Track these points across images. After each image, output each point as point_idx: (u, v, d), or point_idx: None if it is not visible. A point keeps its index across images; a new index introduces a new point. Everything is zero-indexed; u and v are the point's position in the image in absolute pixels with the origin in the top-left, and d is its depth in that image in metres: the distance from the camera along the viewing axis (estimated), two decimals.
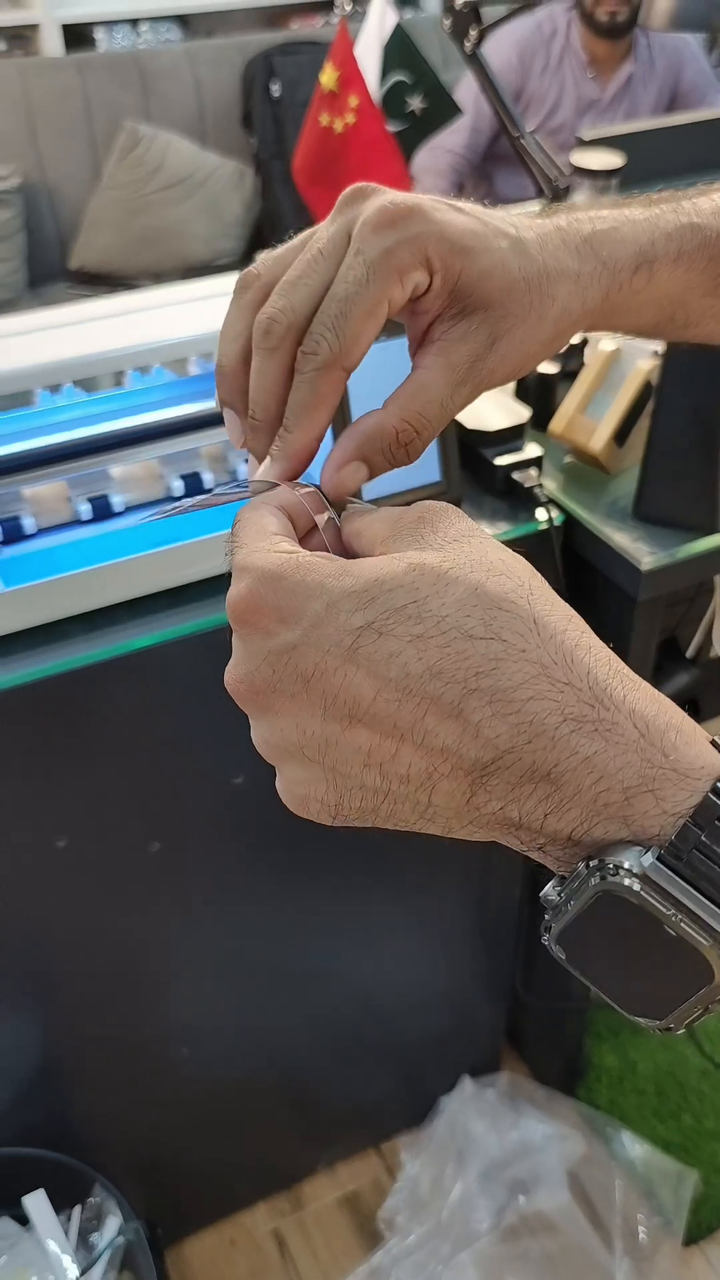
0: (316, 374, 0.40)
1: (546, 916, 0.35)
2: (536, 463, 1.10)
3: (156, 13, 3.21)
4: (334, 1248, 1.41)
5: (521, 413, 1.13)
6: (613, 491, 1.13)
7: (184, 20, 3.29)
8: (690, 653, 1.27)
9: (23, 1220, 1.17)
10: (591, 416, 1.14)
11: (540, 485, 1.08)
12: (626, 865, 0.32)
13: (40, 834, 0.99)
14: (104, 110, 2.94)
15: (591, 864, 0.33)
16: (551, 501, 1.09)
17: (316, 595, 0.33)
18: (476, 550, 0.35)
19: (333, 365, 0.40)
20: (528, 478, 1.08)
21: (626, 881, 0.32)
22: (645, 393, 1.11)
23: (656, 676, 1.25)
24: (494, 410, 1.12)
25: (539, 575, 0.35)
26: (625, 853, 0.33)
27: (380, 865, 1.24)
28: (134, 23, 3.20)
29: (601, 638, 0.35)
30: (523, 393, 1.21)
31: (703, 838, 0.32)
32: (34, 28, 3.04)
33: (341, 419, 0.96)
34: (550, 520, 1.07)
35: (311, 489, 0.41)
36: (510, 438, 1.11)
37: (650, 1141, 1.45)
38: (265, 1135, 1.39)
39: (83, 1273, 1.11)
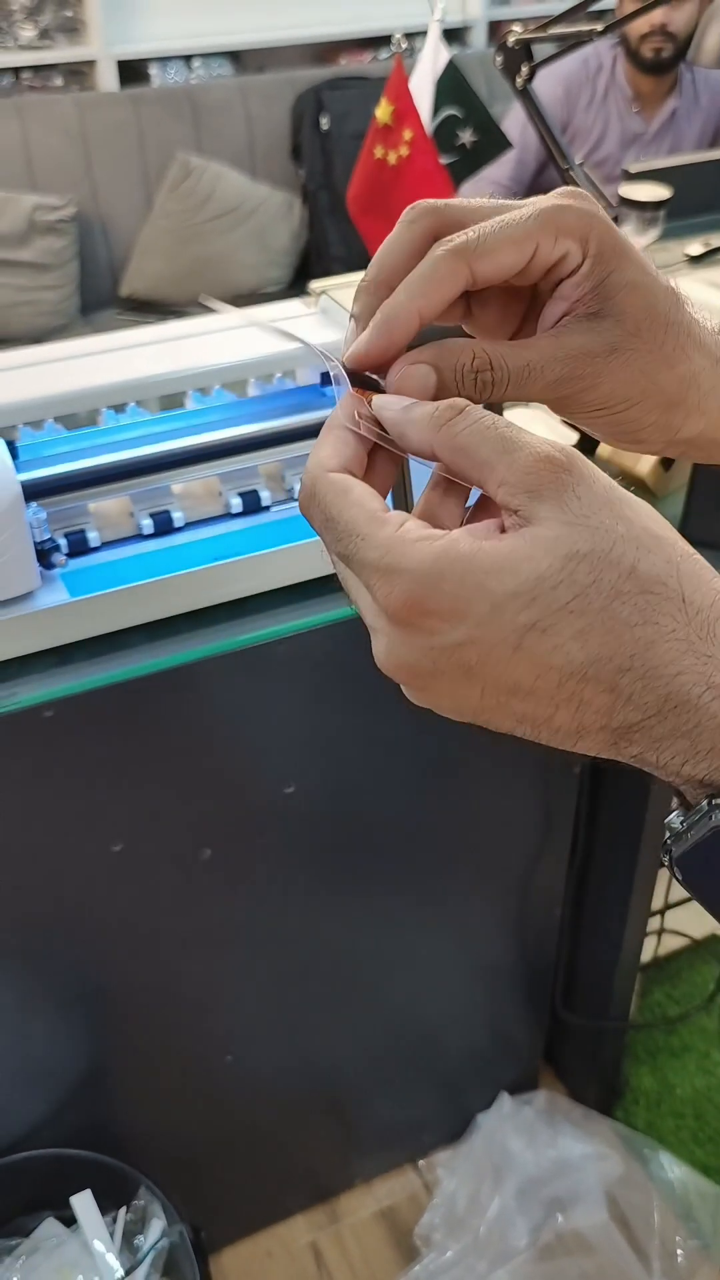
0: (446, 254, 0.40)
1: (668, 839, 0.38)
2: None
3: (209, 49, 3.29)
4: (370, 1262, 1.42)
5: (569, 436, 1.15)
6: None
7: (236, 56, 3.37)
8: None
9: (68, 1221, 1.19)
10: None
11: None
12: None
13: (97, 838, 1.02)
14: (157, 143, 3.02)
15: (715, 801, 0.36)
16: None
17: (480, 597, 0.34)
18: (624, 521, 0.35)
19: (462, 254, 0.40)
20: None
21: None
22: None
23: None
24: (542, 433, 1.15)
25: (681, 538, 0.37)
26: None
27: (425, 880, 1.25)
28: (187, 59, 3.29)
29: None
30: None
31: None
32: (91, 64, 3.13)
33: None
34: None
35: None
36: None
37: (688, 1164, 1.44)
38: (304, 1146, 1.41)
39: (127, 1274, 1.13)
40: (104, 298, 3.08)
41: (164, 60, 3.26)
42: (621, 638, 0.34)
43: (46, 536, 0.93)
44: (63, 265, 2.91)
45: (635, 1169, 1.43)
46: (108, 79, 3.13)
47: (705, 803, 0.37)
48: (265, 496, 1.01)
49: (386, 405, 0.39)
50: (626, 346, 0.43)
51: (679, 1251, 1.35)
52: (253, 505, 1.01)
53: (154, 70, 3.25)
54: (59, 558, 0.93)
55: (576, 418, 0.45)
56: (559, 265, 0.42)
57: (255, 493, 1.01)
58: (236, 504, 1.00)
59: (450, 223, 0.42)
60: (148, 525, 0.98)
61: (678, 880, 0.39)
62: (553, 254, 0.42)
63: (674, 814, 0.38)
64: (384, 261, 0.42)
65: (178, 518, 0.99)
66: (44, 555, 0.92)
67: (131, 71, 3.20)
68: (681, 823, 0.37)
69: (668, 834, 0.38)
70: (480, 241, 0.40)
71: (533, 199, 0.42)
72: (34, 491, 0.93)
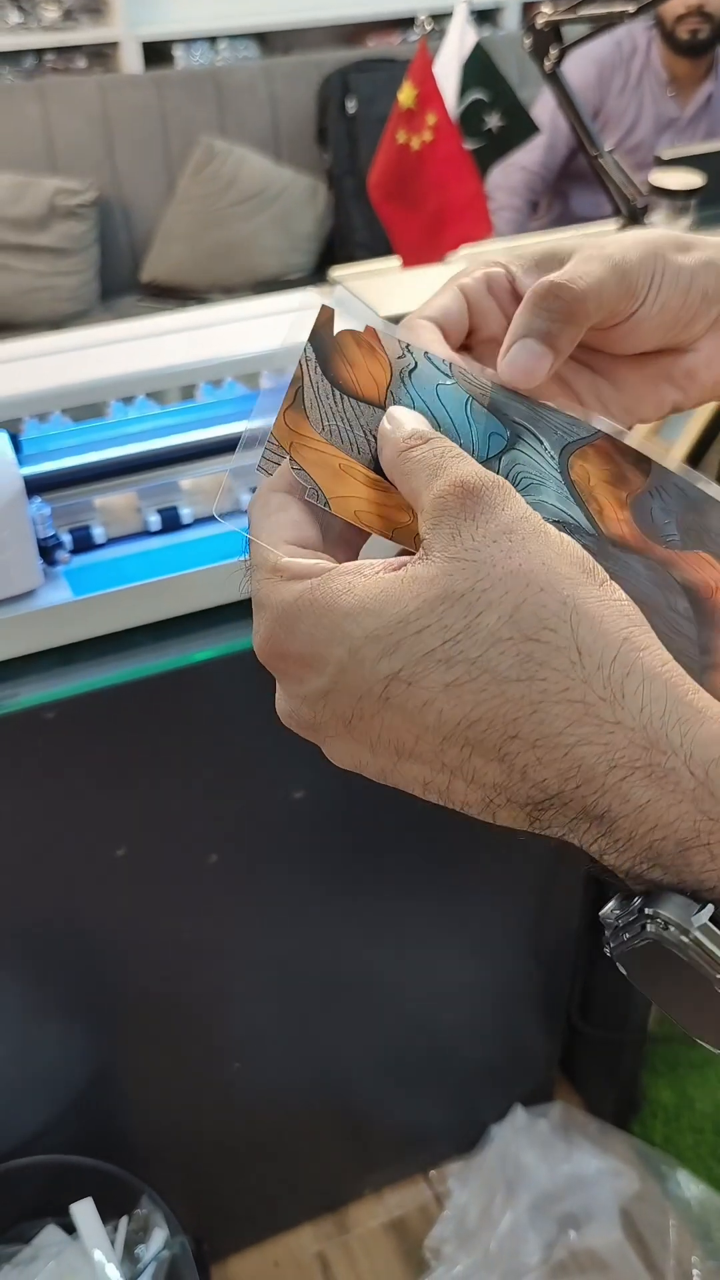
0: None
1: (606, 933, 0.33)
2: None
3: (235, 30, 3.25)
4: (379, 1274, 1.39)
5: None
6: None
7: (262, 38, 3.33)
8: None
9: (70, 1229, 1.16)
10: (665, 439, 1.12)
11: None
12: (677, 920, 0.30)
13: (100, 842, 0.99)
14: (180, 126, 2.98)
15: (645, 910, 0.31)
16: None
17: (337, 640, 0.31)
18: (518, 554, 0.31)
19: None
20: None
21: (676, 936, 0.30)
22: None
23: None
24: None
25: (591, 570, 0.32)
26: (677, 906, 0.31)
27: (438, 887, 1.22)
28: (212, 40, 3.25)
29: None
30: None
31: None
32: (114, 45, 3.09)
33: None
34: None
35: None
36: None
37: (706, 1181, 1.41)
38: (313, 1155, 1.38)
39: None
40: (125, 283, 3.04)
41: (188, 42, 3.21)
42: (500, 695, 0.30)
43: (50, 532, 0.90)
44: (83, 250, 2.88)
45: (651, 1186, 1.40)
46: (131, 61, 3.09)
47: (638, 903, 0.31)
48: None
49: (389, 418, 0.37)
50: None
51: (695, 1272, 1.32)
52: None
53: (178, 52, 3.21)
54: (63, 554, 0.90)
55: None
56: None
57: None
58: (246, 500, 0.97)
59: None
60: (155, 522, 0.95)
61: (624, 975, 0.34)
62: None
63: (610, 905, 0.33)
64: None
65: (186, 514, 0.95)
66: (47, 552, 0.89)
67: (155, 53, 3.16)
68: (617, 918, 0.32)
69: (605, 929, 0.33)
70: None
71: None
72: (38, 486, 0.90)
